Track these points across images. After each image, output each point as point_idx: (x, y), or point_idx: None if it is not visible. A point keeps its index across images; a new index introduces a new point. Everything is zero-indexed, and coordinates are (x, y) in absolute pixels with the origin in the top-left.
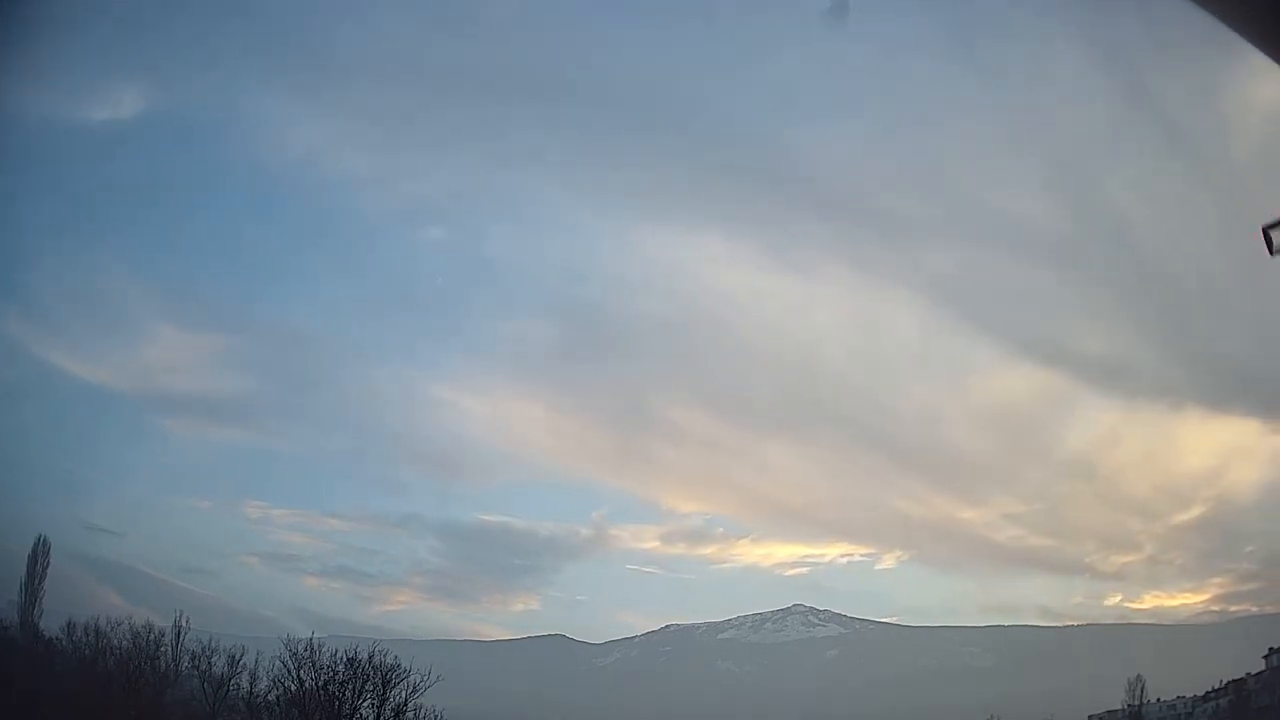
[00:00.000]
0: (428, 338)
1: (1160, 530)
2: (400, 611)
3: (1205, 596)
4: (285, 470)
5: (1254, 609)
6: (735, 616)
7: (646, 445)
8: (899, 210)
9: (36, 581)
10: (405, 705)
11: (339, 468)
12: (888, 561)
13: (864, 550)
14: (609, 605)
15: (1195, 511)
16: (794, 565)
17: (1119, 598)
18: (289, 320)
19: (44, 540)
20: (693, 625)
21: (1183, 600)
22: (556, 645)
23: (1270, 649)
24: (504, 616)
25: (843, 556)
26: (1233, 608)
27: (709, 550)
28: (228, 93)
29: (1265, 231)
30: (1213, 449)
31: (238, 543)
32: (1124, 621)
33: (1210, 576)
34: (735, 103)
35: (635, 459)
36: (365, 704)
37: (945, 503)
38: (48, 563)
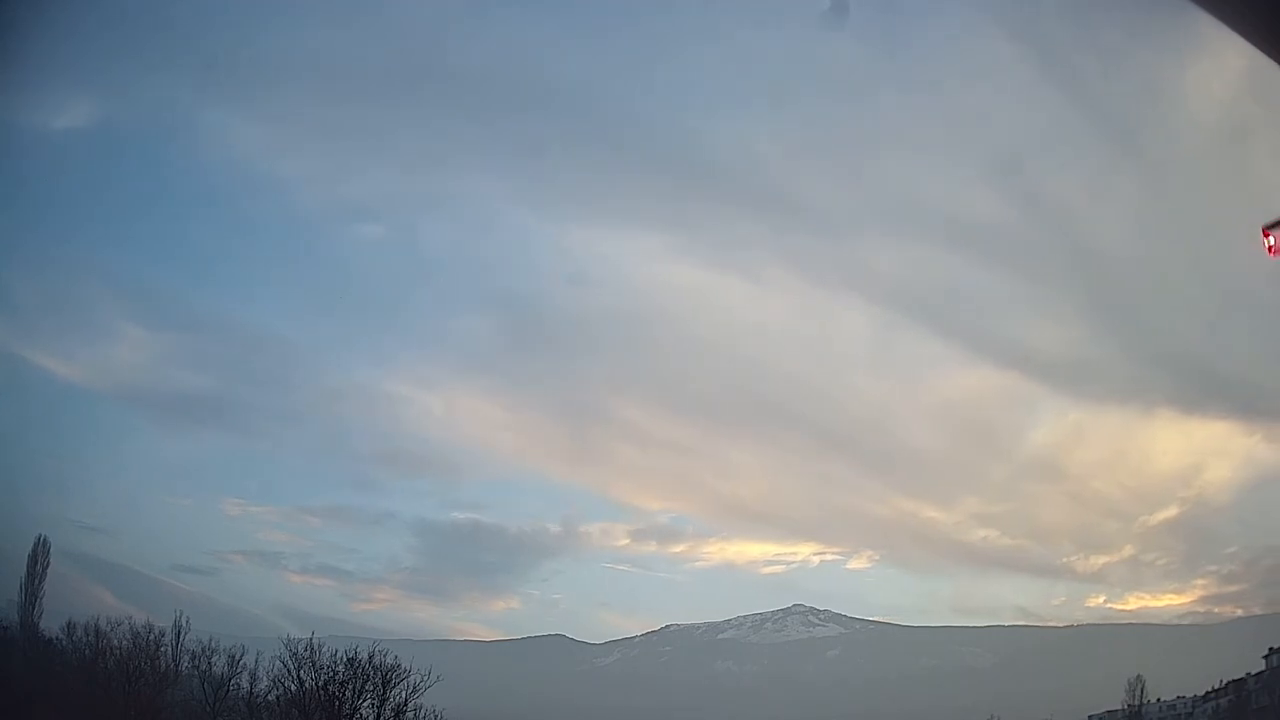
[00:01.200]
0: (379, 334)
1: (1140, 531)
2: (383, 609)
3: (1189, 598)
4: (258, 467)
5: (1239, 611)
6: (735, 616)
7: (603, 443)
8: (843, 209)
9: (36, 581)
10: (405, 705)
11: (308, 464)
12: (858, 562)
13: (834, 550)
14: (591, 605)
15: (1174, 513)
16: (768, 564)
17: (1102, 598)
18: (242, 318)
19: (44, 540)
20: (693, 625)
21: (1167, 601)
22: (556, 645)
23: (1270, 649)
24: (486, 615)
25: (815, 555)
26: (1217, 609)
27: (680, 548)
28: (173, 104)
29: (1265, 232)
30: (1188, 450)
31: (221, 540)
32: (1124, 622)
33: (1193, 578)
34: (672, 101)
35: (593, 456)
36: (365, 704)
37: (914, 504)
38: (48, 563)
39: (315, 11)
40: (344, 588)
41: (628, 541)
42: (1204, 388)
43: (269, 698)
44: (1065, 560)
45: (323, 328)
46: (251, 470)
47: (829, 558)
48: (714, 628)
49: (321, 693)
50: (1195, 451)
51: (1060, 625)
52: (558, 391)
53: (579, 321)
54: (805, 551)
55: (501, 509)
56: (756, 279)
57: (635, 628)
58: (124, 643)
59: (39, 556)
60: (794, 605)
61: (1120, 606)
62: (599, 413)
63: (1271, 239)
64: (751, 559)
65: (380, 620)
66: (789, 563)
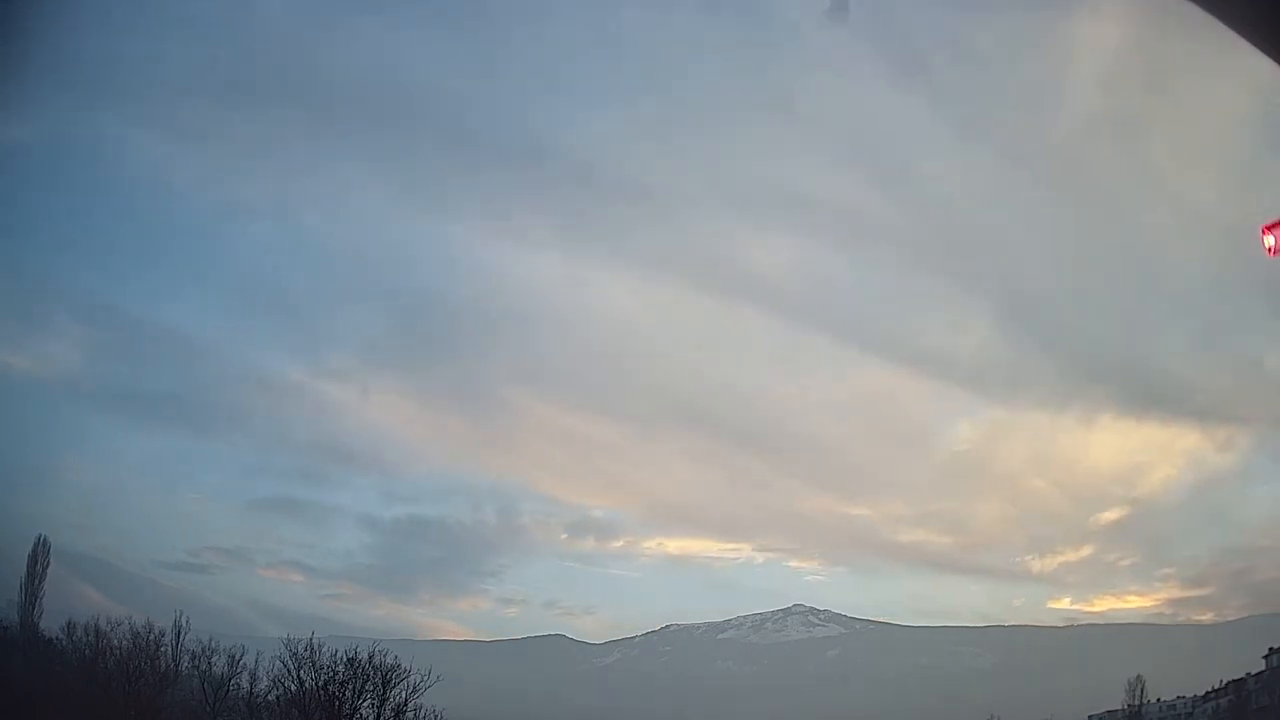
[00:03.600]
0: (289, 332)
1: (1094, 531)
2: (353, 606)
3: (1159, 598)
4: (208, 463)
5: (1212, 613)
6: (735, 616)
7: (520, 439)
8: (734, 211)
9: (36, 581)
10: (405, 705)
11: (249, 459)
12: (799, 561)
13: (775, 550)
14: (568, 602)
15: (1122, 515)
16: (716, 560)
17: (1068, 600)
18: (157, 318)
19: (44, 540)
20: (693, 625)
21: (1136, 603)
22: (556, 645)
23: (1270, 649)
24: (456, 612)
25: (759, 553)
26: (1206, 610)
27: (618, 544)
28: (76, 120)
29: (1265, 230)
30: (1125, 451)
31: (193, 537)
32: (1122, 623)
33: (1161, 579)
34: (556, 105)
35: (512, 452)
36: (365, 704)
37: (843, 505)
38: (48, 563)
39: (193, 29)
40: (314, 583)
41: (566, 536)
42: (1134, 388)
43: (269, 698)
44: (1018, 560)
45: (235, 325)
46: (204, 466)
47: (771, 556)
48: (714, 628)
49: (321, 693)
50: (1134, 452)
51: (1060, 626)
52: (467, 388)
53: (478, 320)
54: (747, 549)
55: (433, 503)
56: (648, 278)
57: (597, 625)
58: (124, 643)
59: (39, 556)
60: (794, 605)
61: (1087, 608)
62: (511, 408)
63: (1272, 238)
64: (695, 555)
65: (353, 617)
66: (733, 560)
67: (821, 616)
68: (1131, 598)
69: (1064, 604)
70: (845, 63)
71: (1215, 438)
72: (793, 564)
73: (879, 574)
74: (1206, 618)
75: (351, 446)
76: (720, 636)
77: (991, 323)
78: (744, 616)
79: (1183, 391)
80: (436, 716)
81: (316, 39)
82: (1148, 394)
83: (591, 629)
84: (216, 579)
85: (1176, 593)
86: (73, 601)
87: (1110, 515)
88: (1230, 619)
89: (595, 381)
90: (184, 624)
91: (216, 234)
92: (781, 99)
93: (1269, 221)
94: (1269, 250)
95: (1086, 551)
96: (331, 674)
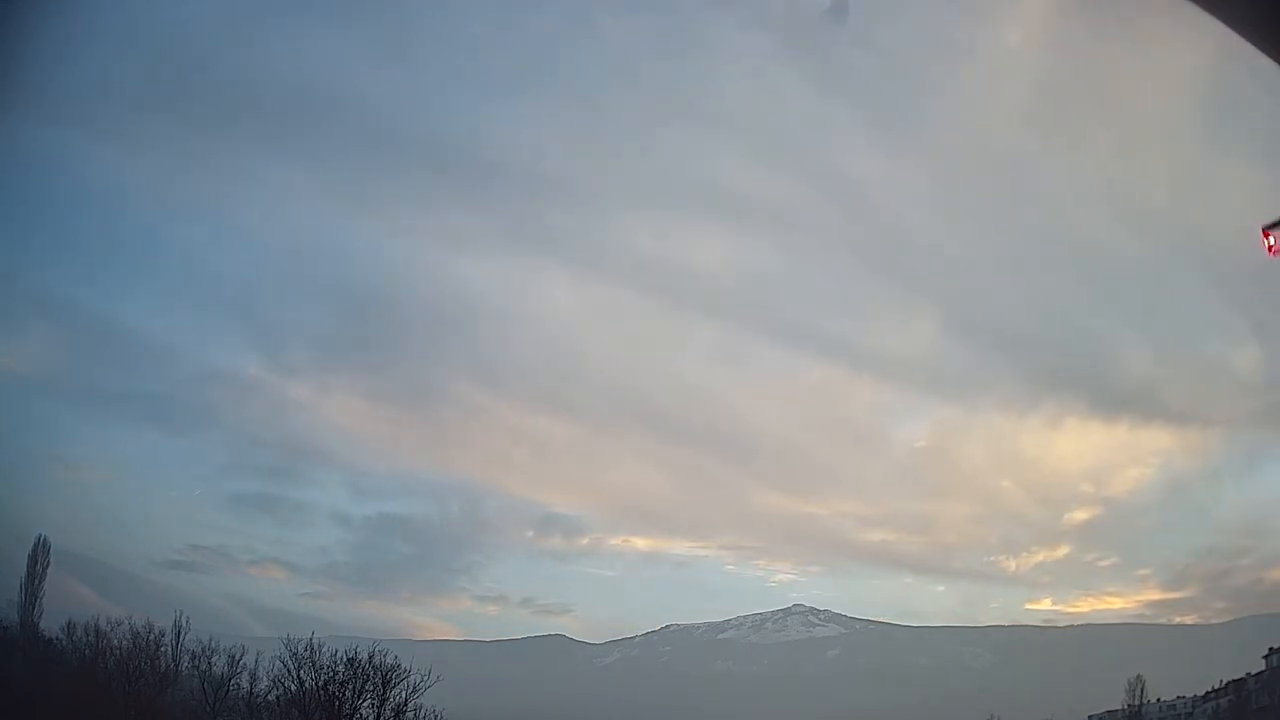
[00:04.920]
0: (242, 329)
1: (1067, 531)
2: (342, 605)
3: (1139, 600)
4: (181, 460)
5: (1192, 614)
6: (735, 617)
7: (474, 437)
8: (674, 215)
9: (36, 581)
10: (405, 705)
11: (223, 456)
12: (766, 560)
13: (740, 548)
14: (565, 602)
15: (1093, 517)
16: (692, 559)
17: (1048, 601)
18: (115, 316)
19: (44, 540)
20: (693, 625)
21: (1119, 604)
22: (556, 645)
23: (1270, 649)
24: (437, 610)
25: (726, 550)
26: (1170, 612)
27: (584, 541)
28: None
29: (1265, 233)
30: (1090, 453)
31: (180, 535)
32: (1122, 622)
33: (1133, 581)
34: (488, 114)
35: (464, 449)
36: (365, 704)
37: (802, 504)
38: (48, 563)
39: (135, 43)
40: (297, 581)
41: (532, 534)
42: (1100, 391)
43: (269, 698)
44: (991, 560)
45: (191, 324)
46: (176, 463)
47: (739, 555)
48: (714, 628)
49: (321, 693)
50: (1103, 453)
51: (1060, 626)
52: (421, 386)
53: (427, 320)
54: (713, 548)
55: (399, 500)
56: (593, 280)
57: (596, 625)
58: (124, 643)
59: (39, 556)
60: (794, 605)
61: (1068, 609)
62: (465, 407)
63: (1272, 239)
64: (664, 553)
65: (339, 616)
66: (702, 558)
67: (821, 616)
68: (1112, 599)
69: (1044, 605)
70: (778, 65)
71: (1186, 439)
72: (760, 563)
73: (850, 574)
74: (1191, 619)
75: (315, 443)
76: (720, 636)
77: (941, 324)
78: (744, 616)
79: (1151, 394)
80: (436, 716)
81: (255, 52)
82: (1115, 396)
83: (591, 629)
84: (204, 577)
85: (1157, 594)
86: (70, 601)
87: (1082, 515)
88: (1215, 621)
89: (548, 382)
90: (184, 624)
91: (167, 236)
92: (714, 102)
93: (1253, 222)
94: (1269, 250)
95: (1062, 552)
96: (331, 674)
